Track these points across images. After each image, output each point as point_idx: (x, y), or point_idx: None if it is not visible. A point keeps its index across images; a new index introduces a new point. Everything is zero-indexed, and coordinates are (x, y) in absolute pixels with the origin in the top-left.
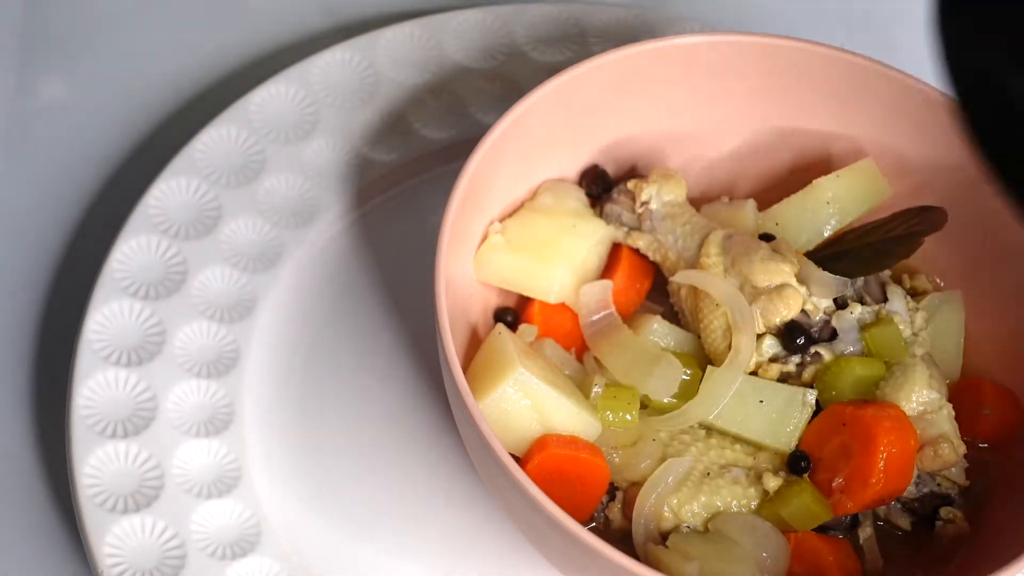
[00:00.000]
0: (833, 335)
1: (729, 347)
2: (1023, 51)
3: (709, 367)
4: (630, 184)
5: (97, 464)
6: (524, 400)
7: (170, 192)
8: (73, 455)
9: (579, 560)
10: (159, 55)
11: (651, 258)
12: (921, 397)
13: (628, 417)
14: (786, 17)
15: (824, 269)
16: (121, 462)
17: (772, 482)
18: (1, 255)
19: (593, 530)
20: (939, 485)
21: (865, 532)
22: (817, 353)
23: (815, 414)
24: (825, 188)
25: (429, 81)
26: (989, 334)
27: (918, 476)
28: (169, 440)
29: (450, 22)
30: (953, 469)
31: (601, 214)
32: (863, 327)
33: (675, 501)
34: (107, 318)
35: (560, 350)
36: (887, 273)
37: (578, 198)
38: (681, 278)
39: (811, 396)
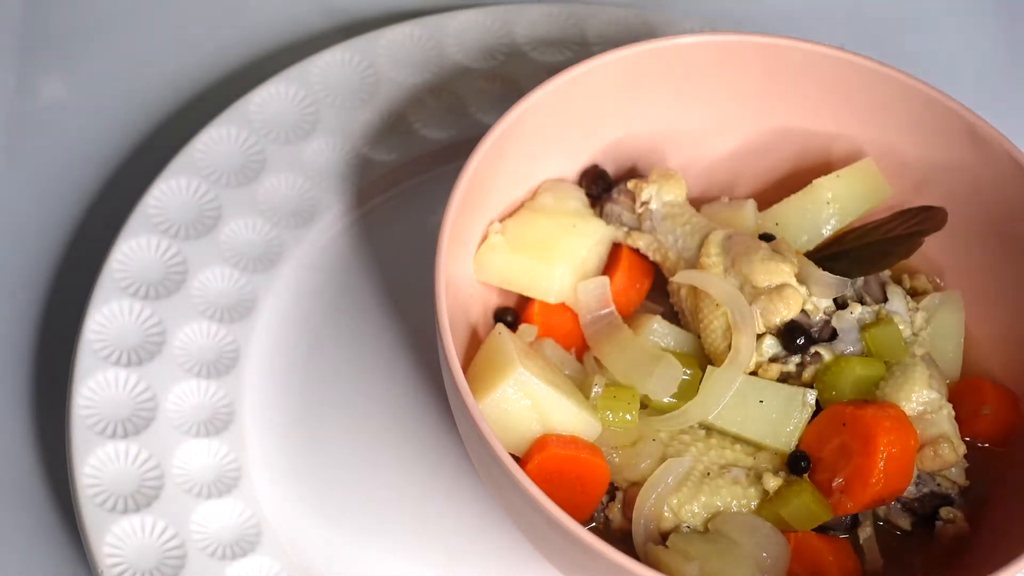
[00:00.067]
0: (833, 335)
1: (729, 347)
2: None
3: (709, 367)
4: (630, 184)
5: (97, 464)
6: (524, 400)
7: (170, 192)
8: (73, 455)
9: (579, 560)
10: (159, 55)
11: (651, 258)
12: (921, 397)
13: (628, 417)
14: (786, 17)
15: (824, 269)
16: (121, 462)
17: (772, 482)
18: (1, 255)
19: (593, 530)
20: (939, 485)
21: (865, 532)
22: (817, 353)
23: (815, 414)
24: (825, 188)
25: (429, 81)
26: (989, 334)
27: (918, 476)
28: (169, 440)
29: (450, 22)
30: (953, 469)
31: (601, 214)
32: (863, 327)
33: (675, 501)
34: (107, 318)
35: (560, 350)
36: (887, 273)
37: (578, 198)
38: (681, 278)
39: (811, 396)
